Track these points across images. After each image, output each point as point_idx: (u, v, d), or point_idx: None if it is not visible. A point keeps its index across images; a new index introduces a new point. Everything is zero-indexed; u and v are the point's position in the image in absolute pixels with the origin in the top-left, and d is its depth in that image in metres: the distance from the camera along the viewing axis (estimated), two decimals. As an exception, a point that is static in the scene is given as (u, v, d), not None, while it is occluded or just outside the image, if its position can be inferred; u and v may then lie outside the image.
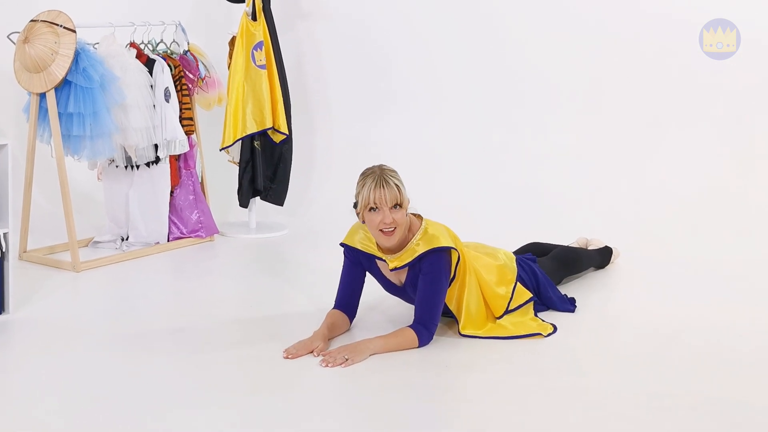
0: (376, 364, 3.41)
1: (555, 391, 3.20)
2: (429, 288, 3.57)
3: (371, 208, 3.52)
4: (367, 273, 3.79)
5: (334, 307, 3.77)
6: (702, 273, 4.68)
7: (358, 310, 3.81)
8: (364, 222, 3.59)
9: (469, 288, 3.69)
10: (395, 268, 3.63)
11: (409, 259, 3.59)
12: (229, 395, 3.15)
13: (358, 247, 3.70)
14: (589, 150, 5.90)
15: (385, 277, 3.75)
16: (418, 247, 3.58)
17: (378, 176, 3.52)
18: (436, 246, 3.57)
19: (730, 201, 5.55)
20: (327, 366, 3.37)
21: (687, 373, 3.38)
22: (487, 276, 3.79)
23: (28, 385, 3.27)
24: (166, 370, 3.41)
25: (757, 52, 5.61)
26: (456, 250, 3.61)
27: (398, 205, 3.52)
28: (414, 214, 3.68)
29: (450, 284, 3.65)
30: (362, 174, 3.59)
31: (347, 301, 3.76)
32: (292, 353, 3.44)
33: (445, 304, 3.66)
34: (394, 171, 3.58)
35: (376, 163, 3.63)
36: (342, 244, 3.77)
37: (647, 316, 4.03)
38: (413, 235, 3.61)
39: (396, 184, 3.52)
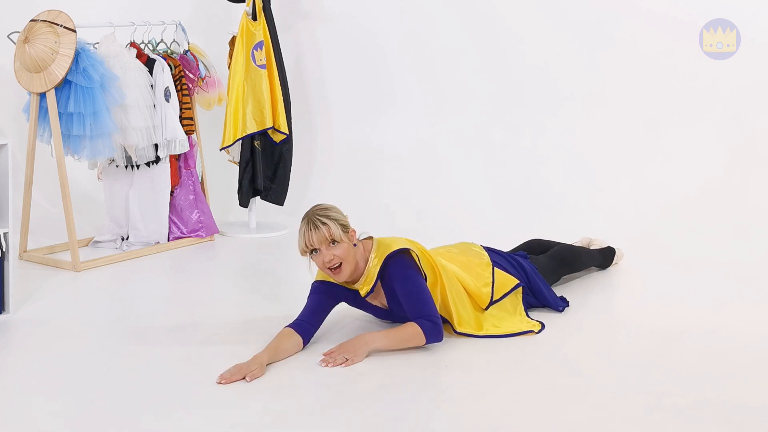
0: (377, 364, 3.41)
1: (555, 391, 3.20)
2: (408, 286, 3.54)
3: (312, 251, 3.52)
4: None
5: (290, 325, 3.57)
6: (702, 273, 4.68)
7: (353, 314, 3.79)
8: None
9: (450, 287, 3.69)
10: (367, 294, 3.62)
11: (374, 279, 3.59)
12: (229, 395, 3.15)
13: (339, 282, 3.65)
14: (590, 150, 5.90)
15: (371, 305, 3.73)
16: (376, 265, 3.58)
17: (308, 219, 3.51)
18: (388, 253, 3.57)
19: (730, 201, 5.55)
20: (327, 366, 3.36)
21: (687, 373, 3.38)
22: (462, 271, 3.80)
23: (28, 385, 3.27)
24: (166, 370, 3.41)
25: (757, 52, 5.61)
26: (411, 249, 3.59)
27: (333, 241, 3.50)
28: (365, 239, 3.68)
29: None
30: (301, 219, 3.58)
31: (309, 322, 3.58)
32: (225, 378, 3.25)
33: None
34: (327, 208, 3.55)
35: (313, 204, 3.62)
36: (318, 282, 3.68)
37: (647, 316, 4.03)
38: (369, 258, 3.61)
39: (324, 222, 3.48)
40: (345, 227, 3.54)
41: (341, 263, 3.51)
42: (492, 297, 3.81)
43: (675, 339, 3.73)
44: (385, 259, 3.57)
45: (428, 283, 3.63)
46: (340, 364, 3.37)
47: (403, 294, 3.54)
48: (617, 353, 3.62)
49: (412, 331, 3.49)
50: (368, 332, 3.55)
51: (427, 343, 3.51)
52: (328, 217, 3.51)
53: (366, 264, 3.59)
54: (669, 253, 5.02)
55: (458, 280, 3.77)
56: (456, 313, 3.68)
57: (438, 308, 3.65)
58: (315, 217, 3.51)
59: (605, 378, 3.33)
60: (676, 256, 4.97)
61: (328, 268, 3.53)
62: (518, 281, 3.91)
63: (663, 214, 5.56)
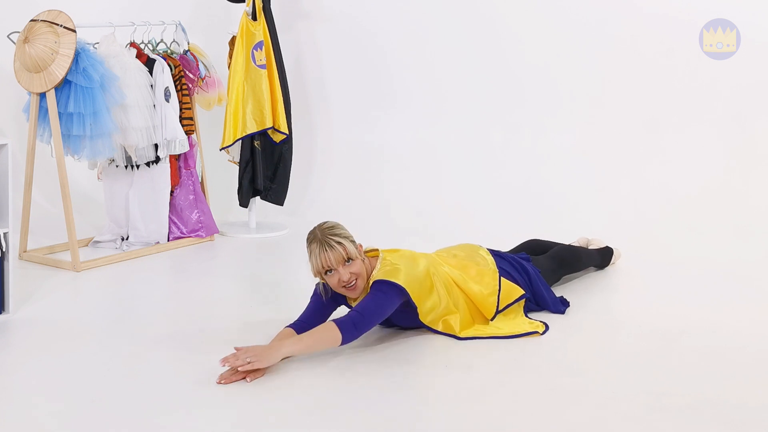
0: (377, 364, 3.41)
1: (555, 391, 3.20)
2: (373, 299, 3.49)
3: (326, 272, 3.51)
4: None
5: (290, 326, 3.57)
6: (702, 273, 4.68)
7: None
8: (327, 284, 3.57)
9: (457, 305, 3.71)
10: None
11: None
12: (229, 395, 3.15)
13: (353, 297, 3.64)
14: (590, 150, 5.90)
15: None
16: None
17: (320, 240, 3.49)
18: (382, 279, 3.53)
19: (730, 201, 5.55)
20: (225, 365, 3.22)
21: (687, 373, 3.38)
22: (469, 279, 3.80)
23: (28, 385, 3.27)
24: (166, 370, 3.41)
25: (757, 52, 5.61)
26: (405, 290, 3.53)
27: (349, 259, 3.51)
28: (370, 252, 3.67)
29: (416, 311, 3.62)
30: (307, 240, 3.55)
31: (309, 323, 3.55)
32: (225, 378, 3.24)
33: (432, 328, 3.67)
34: (333, 226, 3.54)
35: (320, 221, 3.60)
36: (321, 284, 3.65)
37: (647, 316, 4.03)
38: (373, 274, 3.60)
39: (338, 242, 3.48)
40: (354, 243, 3.56)
41: (357, 279, 3.53)
42: (497, 306, 3.82)
43: (675, 339, 3.73)
44: (376, 280, 3.55)
45: (430, 304, 3.62)
46: (240, 367, 3.20)
47: (366, 300, 3.49)
48: (617, 353, 3.61)
49: (330, 332, 3.38)
50: (283, 340, 3.43)
51: (343, 341, 3.39)
52: (339, 236, 3.52)
53: (368, 283, 3.60)
54: (669, 253, 5.03)
55: (464, 290, 3.77)
56: (460, 328, 3.70)
57: (440, 326, 3.68)
58: (328, 238, 3.50)
59: (605, 378, 3.33)
60: (676, 256, 4.97)
61: (343, 287, 3.53)
62: (523, 292, 3.92)
63: (663, 214, 5.56)
